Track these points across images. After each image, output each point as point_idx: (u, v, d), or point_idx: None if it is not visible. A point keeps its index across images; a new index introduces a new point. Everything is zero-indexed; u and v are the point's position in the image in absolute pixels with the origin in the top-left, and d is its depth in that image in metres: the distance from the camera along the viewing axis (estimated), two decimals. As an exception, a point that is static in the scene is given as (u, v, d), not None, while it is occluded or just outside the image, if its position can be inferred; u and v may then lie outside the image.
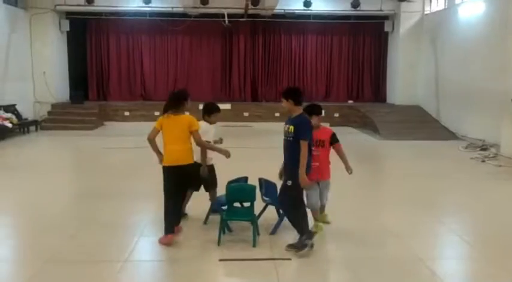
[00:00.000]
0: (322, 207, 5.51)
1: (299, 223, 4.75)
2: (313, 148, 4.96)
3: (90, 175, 8.55)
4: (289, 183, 4.65)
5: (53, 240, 5.01)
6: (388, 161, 11.10)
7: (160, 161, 5.05)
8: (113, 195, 6.93)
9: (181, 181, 4.98)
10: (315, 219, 5.25)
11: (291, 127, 4.66)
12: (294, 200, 4.73)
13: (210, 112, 5.55)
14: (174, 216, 4.98)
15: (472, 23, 12.53)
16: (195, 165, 5.15)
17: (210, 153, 5.32)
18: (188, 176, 5.02)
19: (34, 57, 15.31)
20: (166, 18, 16.34)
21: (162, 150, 5.04)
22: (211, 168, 5.44)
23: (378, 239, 5.22)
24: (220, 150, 5.16)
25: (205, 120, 5.49)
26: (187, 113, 5.08)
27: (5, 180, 8.13)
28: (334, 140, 5.36)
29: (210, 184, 5.48)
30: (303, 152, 4.56)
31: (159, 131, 4.98)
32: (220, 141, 5.74)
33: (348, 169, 5.45)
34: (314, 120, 5.07)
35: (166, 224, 4.92)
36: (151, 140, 4.99)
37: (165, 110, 4.98)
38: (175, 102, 4.99)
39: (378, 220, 5.92)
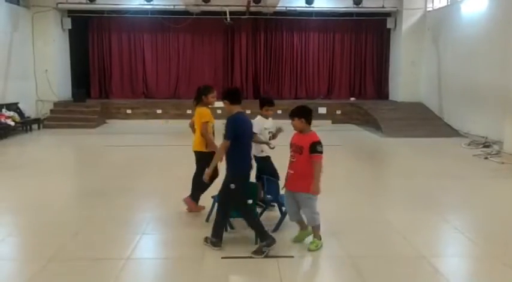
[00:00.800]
0: (312, 230, 4.83)
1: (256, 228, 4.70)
2: (291, 153, 4.70)
3: (92, 173, 8.56)
4: (233, 186, 4.58)
5: (56, 238, 5.02)
6: (390, 159, 11.07)
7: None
8: (115, 193, 6.94)
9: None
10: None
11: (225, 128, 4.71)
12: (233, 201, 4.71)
13: (261, 106, 5.84)
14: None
15: (474, 19, 12.47)
16: (204, 154, 5.52)
17: (262, 146, 5.72)
18: (197, 161, 5.67)
19: (36, 56, 15.33)
20: (168, 16, 16.33)
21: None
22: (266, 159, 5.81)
23: (380, 236, 5.21)
24: (214, 148, 5.42)
25: (260, 114, 5.82)
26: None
27: (7, 178, 8.14)
28: (312, 150, 4.49)
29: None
30: (219, 150, 4.64)
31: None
32: (279, 130, 5.82)
33: (313, 189, 4.53)
34: (296, 123, 4.64)
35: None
36: (190, 126, 5.85)
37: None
38: (196, 97, 5.74)
39: (380, 217, 5.91)
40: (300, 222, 4.94)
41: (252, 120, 5.34)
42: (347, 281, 4.16)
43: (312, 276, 4.38)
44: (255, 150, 5.58)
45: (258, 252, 4.53)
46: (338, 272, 4.41)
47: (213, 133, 5.70)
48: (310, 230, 4.86)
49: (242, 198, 4.71)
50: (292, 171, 4.67)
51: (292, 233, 5.04)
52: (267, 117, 5.81)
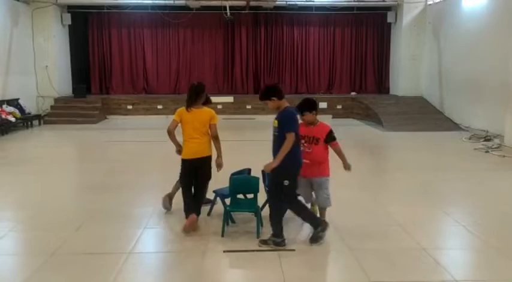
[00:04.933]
0: (321, 211, 5.11)
1: (275, 222, 4.66)
2: (304, 144, 4.85)
3: (93, 168, 8.57)
4: (286, 182, 4.57)
5: (58, 233, 5.03)
6: (391, 153, 11.08)
7: (179, 152, 5.24)
8: (117, 188, 6.97)
9: (199, 173, 5.19)
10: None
11: None
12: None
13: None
14: (189, 204, 5.17)
15: (475, 13, 12.44)
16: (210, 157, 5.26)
17: None
18: (206, 168, 5.20)
19: (36, 52, 15.33)
20: (168, 11, 16.30)
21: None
22: None
23: (381, 229, 5.22)
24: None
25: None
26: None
27: (8, 174, 8.16)
28: (330, 138, 4.91)
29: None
30: (288, 143, 4.52)
31: (178, 124, 5.13)
32: None
33: (346, 167, 5.02)
34: (308, 117, 4.88)
35: (184, 209, 5.17)
36: (171, 132, 5.14)
37: (188, 104, 5.10)
38: (196, 96, 5.11)
39: (381, 210, 5.92)
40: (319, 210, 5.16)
41: None
42: (348, 274, 4.18)
43: (314, 269, 4.39)
44: None
45: (316, 239, 4.65)
46: (339, 264, 4.43)
47: None
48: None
49: (294, 194, 4.73)
50: (307, 161, 4.79)
51: (294, 226, 5.06)
52: None
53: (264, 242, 4.62)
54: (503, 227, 5.35)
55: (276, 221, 4.65)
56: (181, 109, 5.15)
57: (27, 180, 7.57)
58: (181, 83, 17.56)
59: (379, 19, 17.09)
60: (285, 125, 4.49)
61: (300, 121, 4.80)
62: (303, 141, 4.85)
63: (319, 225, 4.71)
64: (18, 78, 14.33)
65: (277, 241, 4.59)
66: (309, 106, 4.90)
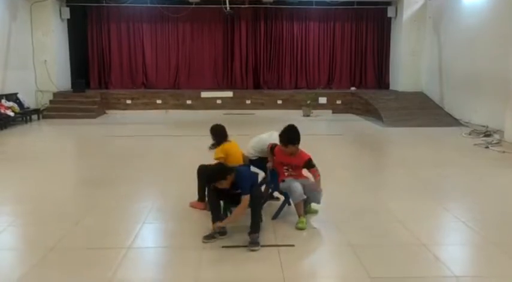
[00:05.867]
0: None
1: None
2: (287, 170, 5.17)
3: (92, 163, 8.56)
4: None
5: (57, 228, 5.02)
6: (391, 148, 11.06)
7: None
8: (116, 183, 6.96)
9: None
10: (299, 216, 5.07)
11: None
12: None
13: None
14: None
15: (476, 8, 12.39)
16: None
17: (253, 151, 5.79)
18: None
19: (35, 46, 15.27)
20: (167, 5, 16.23)
21: None
22: None
23: (381, 225, 5.21)
24: None
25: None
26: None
27: (7, 169, 8.14)
28: (308, 166, 5.11)
29: None
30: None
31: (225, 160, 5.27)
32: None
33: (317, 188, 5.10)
34: (291, 149, 5.04)
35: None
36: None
37: (220, 142, 5.51)
38: (224, 134, 5.58)
39: (381, 206, 5.91)
40: (300, 206, 5.07)
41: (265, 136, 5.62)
42: (348, 269, 4.17)
43: (313, 264, 4.39)
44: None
45: (256, 244, 4.53)
46: (339, 260, 4.42)
47: None
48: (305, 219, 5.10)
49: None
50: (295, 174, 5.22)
51: (293, 223, 5.05)
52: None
53: (208, 238, 4.65)
54: (502, 223, 5.34)
55: (211, 209, 4.77)
56: (222, 146, 5.47)
57: (26, 175, 7.55)
58: (180, 77, 17.53)
59: (380, 14, 17.03)
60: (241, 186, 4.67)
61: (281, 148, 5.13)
62: (285, 168, 5.16)
63: (258, 231, 4.64)
64: (17, 73, 14.28)
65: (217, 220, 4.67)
66: (295, 138, 5.04)
